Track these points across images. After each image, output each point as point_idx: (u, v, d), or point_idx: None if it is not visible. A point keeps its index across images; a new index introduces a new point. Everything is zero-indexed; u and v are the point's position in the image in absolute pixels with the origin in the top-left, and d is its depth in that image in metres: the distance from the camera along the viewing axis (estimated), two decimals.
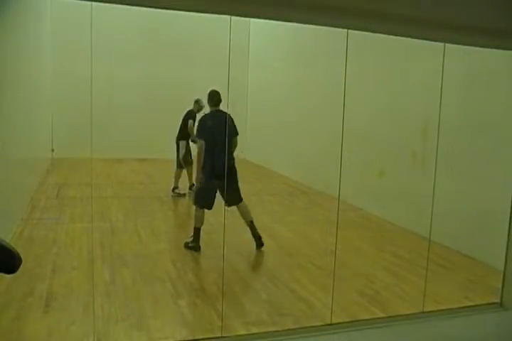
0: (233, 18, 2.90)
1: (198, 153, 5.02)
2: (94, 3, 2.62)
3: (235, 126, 5.14)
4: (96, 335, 3.17)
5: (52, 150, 10.58)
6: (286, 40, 10.16)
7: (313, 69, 9.00)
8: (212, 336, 3.19)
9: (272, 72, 10.86)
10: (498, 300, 3.81)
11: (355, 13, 2.83)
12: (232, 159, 5.08)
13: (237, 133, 5.17)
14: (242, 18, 2.93)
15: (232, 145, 5.10)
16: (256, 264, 4.87)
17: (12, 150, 5.25)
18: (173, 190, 7.83)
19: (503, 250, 3.76)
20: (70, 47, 10.11)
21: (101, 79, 9.58)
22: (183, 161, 7.87)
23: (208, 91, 5.25)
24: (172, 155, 7.99)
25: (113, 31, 10.57)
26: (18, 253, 1.24)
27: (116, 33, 10.84)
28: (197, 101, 7.82)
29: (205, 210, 5.06)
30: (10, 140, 5.06)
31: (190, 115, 7.85)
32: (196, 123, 5.28)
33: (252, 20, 10.06)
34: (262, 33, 11.47)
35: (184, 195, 7.79)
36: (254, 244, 5.08)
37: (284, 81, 10.22)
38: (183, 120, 7.85)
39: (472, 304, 3.85)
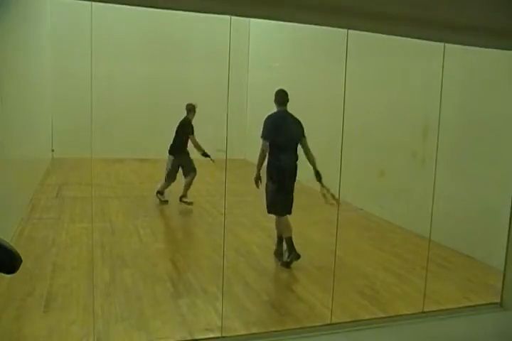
0: (233, 18, 2.90)
1: (260, 154, 4.77)
2: (94, 3, 2.62)
3: (303, 128, 4.85)
4: (96, 335, 3.17)
5: (53, 150, 10.57)
6: (287, 40, 10.15)
7: (313, 69, 8.99)
8: (212, 336, 3.20)
9: (272, 72, 10.86)
10: (498, 300, 3.81)
11: (355, 13, 2.83)
12: (295, 162, 4.79)
13: (303, 135, 4.85)
14: (242, 19, 2.93)
15: (305, 147, 4.83)
16: (256, 264, 4.87)
17: (12, 150, 5.25)
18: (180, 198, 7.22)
19: (503, 250, 3.76)
20: (69, 47, 10.10)
21: (101, 79, 9.57)
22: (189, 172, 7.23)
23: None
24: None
25: (113, 31, 10.57)
26: (18, 254, 1.23)
27: (117, 33, 10.83)
28: (193, 108, 7.18)
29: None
30: (10, 140, 5.06)
31: (186, 126, 7.14)
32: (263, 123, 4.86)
33: (252, 20, 10.05)
34: (262, 33, 11.46)
35: (191, 203, 7.15)
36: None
37: (284, 81, 10.20)
38: (180, 132, 7.19)
39: (472, 304, 3.85)
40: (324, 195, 4.74)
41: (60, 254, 4.78)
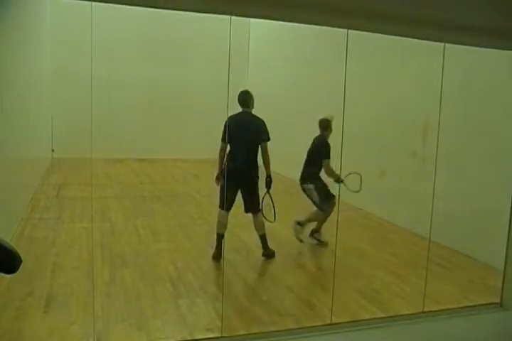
0: (233, 18, 2.90)
1: (219, 156, 4.76)
2: (94, 3, 2.62)
3: (265, 130, 4.77)
4: (96, 335, 3.17)
5: (53, 150, 10.58)
6: (287, 40, 10.16)
7: (313, 69, 8.99)
8: (212, 336, 3.20)
9: (272, 72, 10.86)
10: (498, 300, 3.82)
11: (355, 13, 2.83)
12: (254, 167, 4.74)
13: (267, 139, 4.75)
14: (242, 19, 2.94)
15: (262, 150, 4.75)
16: (256, 264, 4.87)
17: (12, 150, 5.25)
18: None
19: (503, 250, 3.77)
20: (70, 48, 10.12)
21: (101, 79, 9.59)
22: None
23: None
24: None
25: (113, 31, 10.57)
26: (18, 254, 1.24)
27: (117, 33, 10.83)
28: (329, 124, 5.40)
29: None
30: (10, 140, 5.06)
31: (322, 147, 5.37)
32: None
33: (252, 20, 10.06)
34: (262, 33, 11.47)
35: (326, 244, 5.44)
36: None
37: (284, 81, 10.22)
38: (315, 155, 5.44)
39: (472, 304, 3.85)
40: (266, 207, 4.74)
41: (60, 254, 4.79)
